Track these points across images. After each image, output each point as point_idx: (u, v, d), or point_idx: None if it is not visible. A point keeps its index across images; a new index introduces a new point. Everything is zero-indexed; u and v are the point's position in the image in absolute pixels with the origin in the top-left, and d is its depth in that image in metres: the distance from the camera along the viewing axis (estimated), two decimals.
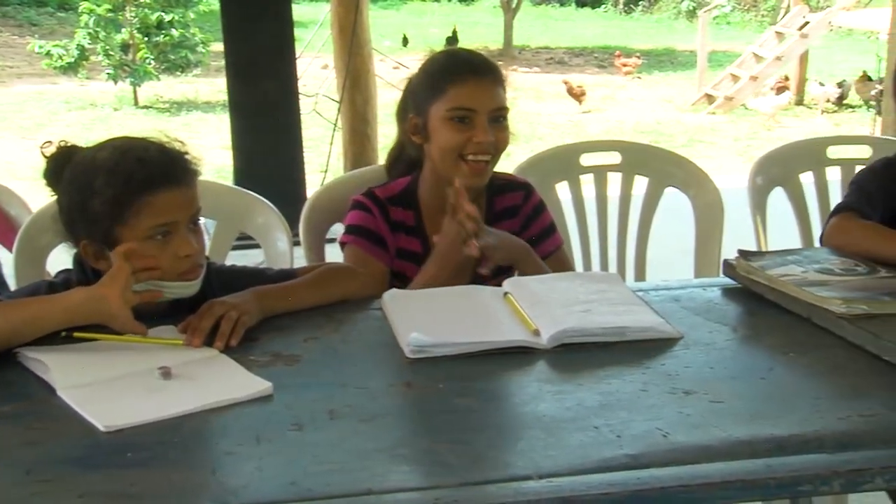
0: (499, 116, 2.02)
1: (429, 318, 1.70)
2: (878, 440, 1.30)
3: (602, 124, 10.19)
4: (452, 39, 14.05)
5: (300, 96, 5.54)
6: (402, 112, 2.11)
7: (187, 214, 1.71)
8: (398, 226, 2.09)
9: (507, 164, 2.41)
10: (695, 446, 1.29)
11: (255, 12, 5.16)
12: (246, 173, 5.32)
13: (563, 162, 2.54)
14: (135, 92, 10.96)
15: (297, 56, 5.57)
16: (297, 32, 5.55)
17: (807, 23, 11.01)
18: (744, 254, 1.91)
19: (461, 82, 2.00)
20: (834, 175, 2.57)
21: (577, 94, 10.84)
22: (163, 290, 1.69)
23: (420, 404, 1.46)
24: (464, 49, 2.17)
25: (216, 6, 5.65)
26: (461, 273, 1.97)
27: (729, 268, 1.91)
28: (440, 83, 2.02)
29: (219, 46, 5.78)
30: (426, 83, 2.05)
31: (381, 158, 2.06)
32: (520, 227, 2.12)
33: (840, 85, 11.03)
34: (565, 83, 11.12)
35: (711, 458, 1.26)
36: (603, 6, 19.72)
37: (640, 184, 2.54)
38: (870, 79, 10.42)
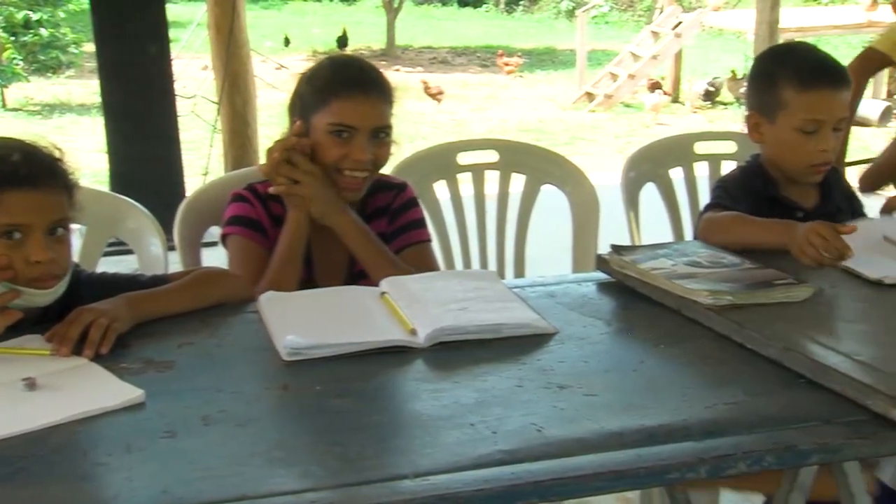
0: (381, 133, 2.02)
1: (305, 319, 1.69)
2: (742, 426, 1.34)
3: (485, 123, 10.27)
4: (342, 40, 13.97)
5: (178, 98, 5.43)
6: (290, 112, 2.09)
7: (44, 220, 1.66)
8: (278, 220, 2.06)
9: (388, 163, 2.41)
10: (568, 439, 1.31)
11: (127, 11, 5.04)
12: (122, 177, 5.20)
13: (441, 161, 2.55)
14: (1, 93, 10.58)
15: (173, 57, 5.46)
16: (174, 32, 5.45)
17: (680, 23, 11.30)
18: (616, 249, 1.95)
19: (346, 98, 1.99)
20: (702, 170, 2.64)
21: (433, 94, 10.87)
22: (20, 293, 1.63)
23: (296, 407, 1.45)
24: (355, 60, 2.12)
25: (87, 5, 5.49)
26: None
27: (602, 262, 1.95)
28: (325, 95, 2.00)
29: (92, 47, 5.63)
30: (312, 91, 2.03)
31: (262, 160, 2.05)
32: (387, 223, 2.12)
33: (713, 83, 11.35)
34: (423, 83, 11.13)
35: (584, 450, 1.29)
36: (485, 6, 19.86)
37: (518, 181, 2.57)
38: (738, 77, 10.76)
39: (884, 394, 1.35)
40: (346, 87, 2.00)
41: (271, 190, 2.01)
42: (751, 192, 2.14)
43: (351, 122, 1.98)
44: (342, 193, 2.02)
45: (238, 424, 1.36)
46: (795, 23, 9.76)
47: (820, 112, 2.08)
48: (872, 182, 2.76)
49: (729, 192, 2.16)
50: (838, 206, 2.18)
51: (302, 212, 2.01)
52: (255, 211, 2.05)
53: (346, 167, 2.00)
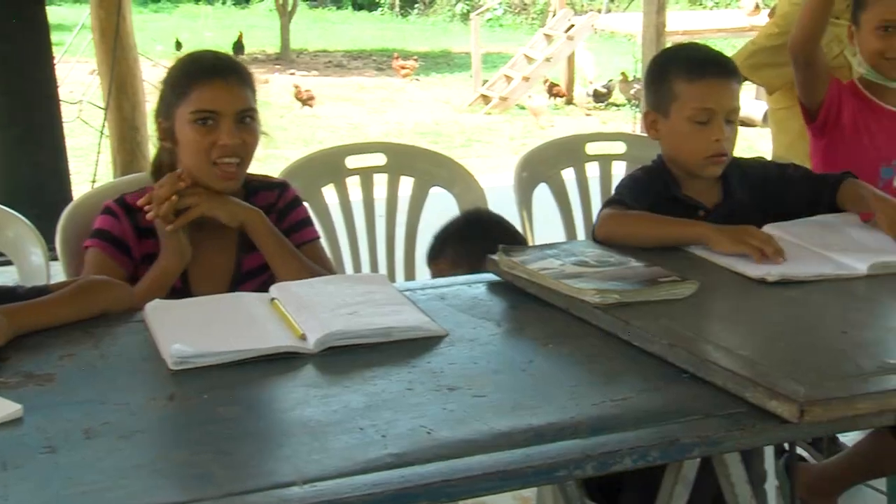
0: (245, 118, 2.01)
1: (192, 327, 1.66)
2: (629, 423, 1.36)
3: (382, 126, 10.26)
4: (238, 46, 13.81)
5: (63, 103, 5.29)
6: (156, 118, 2.08)
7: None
8: (148, 232, 2.04)
9: (277, 167, 2.40)
10: (458, 441, 1.32)
11: (4, 13, 4.89)
12: (5, 186, 5.04)
13: (329, 165, 2.54)
14: None
15: (57, 60, 5.32)
16: (58, 35, 5.31)
17: (572, 25, 11.48)
18: (505, 249, 1.96)
19: (205, 84, 1.99)
20: (593, 171, 2.68)
21: (304, 99, 10.81)
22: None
23: (183, 417, 1.42)
24: (208, 50, 2.14)
25: None
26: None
27: (492, 263, 1.96)
28: (184, 87, 2.00)
29: None
30: (172, 87, 2.03)
31: (152, 164, 2.03)
32: (275, 222, 2.11)
33: (606, 85, 11.55)
34: (295, 87, 11.05)
35: (473, 451, 1.29)
36: (379, 9, 19.84)
37: (406, 184, 2.58)
38: (629, 79, 10.97)
39: (762, 386, 1.39)
40: (204, 74, 2.01)
41: (168, 229, 1.98)
42: (652, 191, 2.18)
43: (213, 107, 1.99)
44: (220, 186, 2.01)
45: (121, 437, 1.33)
46: (682, 26, 10.02)
47: (709, 101, 2.12)
48: (797, 44, 2.57)
49: (630, 190, 2.20)
50: (741, 201, 2.20)
51: (175, 261, 1.99)
52: (119, 226, 2.04)
53: (216, 156, 1.99)
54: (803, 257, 1.95)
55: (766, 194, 2.22)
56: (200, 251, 2.06)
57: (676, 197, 2.18)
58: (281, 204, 2.14)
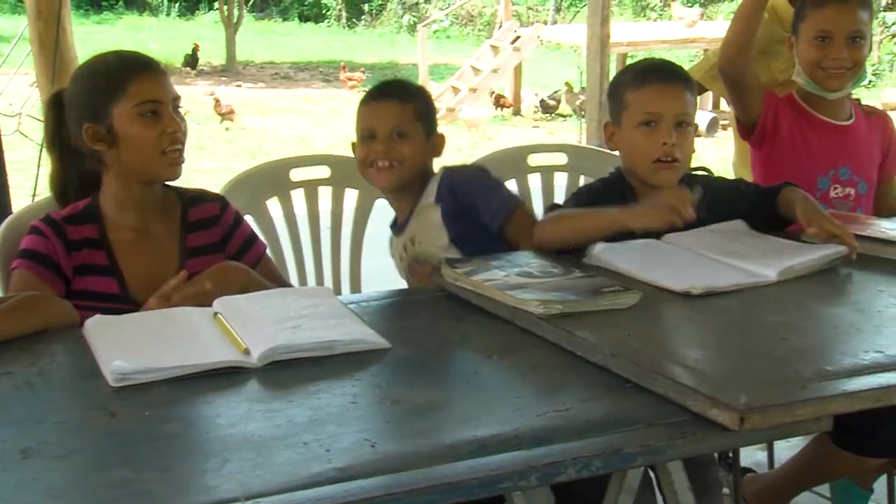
0: (176, 107, 2.06)
1: (134, 343, 1.64)
2: (572, 433, 1.36)
3: (329, 138, 10.23)
4: (192, 58, 13.72)
5: (1, 115, 5.20)
6: (56, 133, 2.09)
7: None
8: (79, 244, 2.03)
9: (222, 179, 2.38)
10: (401, 454, 1.31)
11: None
12: None
13: (273, 178, 2.53)
14: None
15: None
16: None
17: (518, 37, 11.55)
18: (450, 261, 1.96)
19: (144, 77, 2.03)
20: (535, 182, 2.70)
21: (223, 113, 10.73)
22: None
23: (124, 434, 1.40)
24: (121, 49, 2.16)
25: None
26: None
27: (437, 275, 1.97)
28: (121, 82, 2.01)
29: None
30: (100, 87, 2.02)
31: None
32: (220, 238, 2.13)
33: (553, 96, 11.63)
34: (214, 100, 10.95)
35: (417, 464, 1.28)
36: (326, 21, 19.81)
37: (351, 197, 2.57)
38: (575, 90, 11.07)
39: (702, 394, 1.40)
40: (139, 67, 2.05)
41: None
42: (607, 201, 2.20)
43: (155, 97, 2.02)
44: (168, 173, 2.05)
45: (59, 456, 1.31)
46: (626, 37, 10.14)
47: (654, 105, 2.18)
48: (727, 60, 2.59)
49: (578, 199, 2.23)
50: (698, 214, 2.21)
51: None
52: (47, 244, 2.01)
53: (166, 145, 2.02)
54: (713, 268, 1.97)
55: (722, 209, 2.24)
56: (141, 259, 2.05)
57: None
58: (228, 219, 2.17)
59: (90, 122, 2.02)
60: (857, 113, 2.71)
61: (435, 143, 2.36)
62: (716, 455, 2.42)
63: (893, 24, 13.40)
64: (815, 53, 2.57)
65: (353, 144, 2.35)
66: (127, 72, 2.02)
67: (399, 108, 2.30)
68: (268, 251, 2.24)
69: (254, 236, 2.22)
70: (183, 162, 2.07)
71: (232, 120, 10.55)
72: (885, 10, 13.52)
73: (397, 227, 2.38)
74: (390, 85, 2.41)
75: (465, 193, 2.27)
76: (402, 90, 2.36)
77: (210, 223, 2.13)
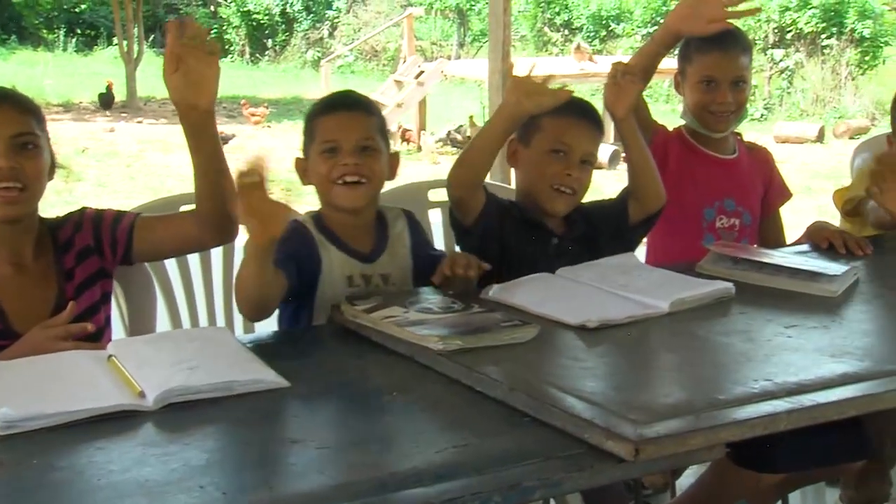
0: (28, 144, 2.00)
1: (21, 389, 1.60)
2: (470, 469, 1.37)
3: (233, 173, 10.13)
4: (107, 97, 13.50)
5: None
6: None
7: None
8: None
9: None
10: (299, 495, 1.31)
11: None
12: None
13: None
14: None
15: None
16: None
17: (422, 71, 11.64)
18: (349, 298, 1.96)
19: None
20: (435, 217, 2.70)
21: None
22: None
23: (11, 483, 1.36)
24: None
25: None
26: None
27: (336, 312, 1.96)
28: None
29: None
30: None
31: None
32: (92, 238, 2.10)
33: (459, 130, 11.73)
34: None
35: None
36: (230, 56, 19.66)
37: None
38: (477, 124, 11.19)
39: (599, 427, 1.42)
40: None
41: None
42: (507, 206, 2.35)
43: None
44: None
45: None
46: (526, 72, 10.26)
47: (570, 138, 2.31)
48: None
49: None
50: (582, 229, 2.40)
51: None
52: None
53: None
54: (608, 301, 2.01)
55: (601, 225, 2.43)
56: (20, 291, 2.02)
57: (528, 219, 2.33)
58: (90, 218, 2.11)
59: None
60: (741, 148, 2.87)
61: (391, 164, 2.23)
62: None
63: (781, 59, 13.85)
64: (702, 97, 2.70)
65: (298, 161, 2.22)
66: None
67: (366, 120, 2.17)
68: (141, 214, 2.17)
69: (120, 213, 2.13)
70: (21, 202, 1.98)
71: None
72: (772, 48, 13.98)
73: (352, 251, 2.16)
74: (349, 96, 2.26)
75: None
76: (365, 102, 2.24)
77: (75, 233, 2.10)
